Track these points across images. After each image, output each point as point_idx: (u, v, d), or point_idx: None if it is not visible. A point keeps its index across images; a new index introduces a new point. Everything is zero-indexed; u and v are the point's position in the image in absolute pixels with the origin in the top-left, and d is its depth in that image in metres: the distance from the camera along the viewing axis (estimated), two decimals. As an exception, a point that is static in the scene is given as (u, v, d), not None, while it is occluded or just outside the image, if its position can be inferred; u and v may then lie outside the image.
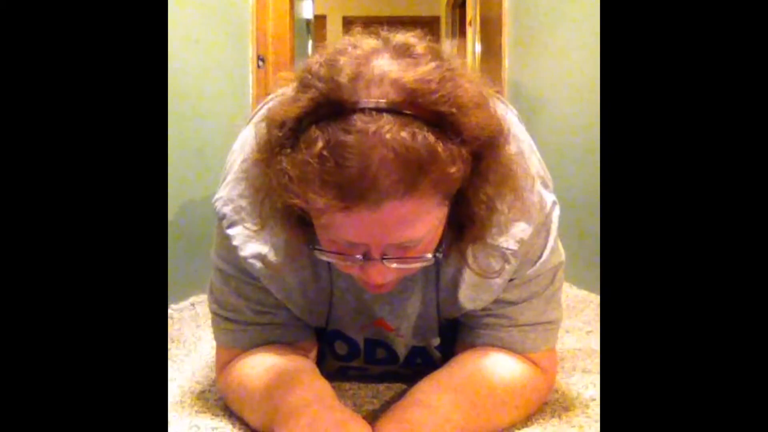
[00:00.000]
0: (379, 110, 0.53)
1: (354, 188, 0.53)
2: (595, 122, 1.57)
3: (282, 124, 0.58)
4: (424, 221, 0.58)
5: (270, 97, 0.71)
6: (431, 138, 0.54)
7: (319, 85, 0.56)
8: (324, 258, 0.65)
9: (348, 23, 5.61)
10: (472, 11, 3.31)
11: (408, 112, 0.54)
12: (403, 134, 0.53)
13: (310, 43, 3.77)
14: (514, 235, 0.73)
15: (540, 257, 0.76)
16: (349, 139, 0.53)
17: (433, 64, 0.56)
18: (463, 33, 3.85)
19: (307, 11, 3.74)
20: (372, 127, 0.53)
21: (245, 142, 0.77)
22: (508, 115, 0.70)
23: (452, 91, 0.56)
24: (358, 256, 0.61)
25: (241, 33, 1.99)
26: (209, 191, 0.81)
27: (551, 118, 1.94)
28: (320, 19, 5.39)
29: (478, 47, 3.20)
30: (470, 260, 0.72)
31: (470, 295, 0.76)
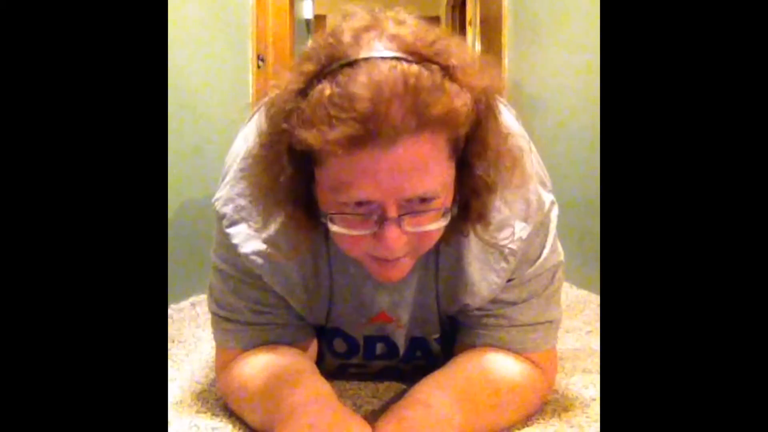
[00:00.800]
0: (384, 58, 0.56)
1: (368, 121, 0.54)
2: (595, 122, 1.58)
3: (287, 96, 0.59)
4: (436, 171, 0.59)
5: (268, 97, 0.71)
6: (439, 75, 0.57)
7: (323, 50, 0.58)
8: (336, 228, 0.62)
9: (348, 23, 5.59)
10: (472, 11, 3.31)
11: (412, 59, 0.57)
12: (412, 69, 0.56)
13: (310, 43, 3.77)
14: (513, 234, 0.73)
15: (539, 257, 0.76)
16: (360, 78, 0.55)
17: (426, 27, 0.60)
18: (463, 33, 3.85)
19: (307, 11, 3.74)
20: (381, 66, 0.55)
21: (245, 141, 0.77)
22: (506, 114, 0.70)
23: (449, 47, 0.59)
24: (373, 217, 0.60)
25: (241, 33, 1.99)
26: (209, 191, 0.81)
27: (551, 118, 1.94)
28: (320, 19, 5.39)
29: (478, 47, 3.20)
30: (478, 232, 0.71)
31: (468, 289, 0.75)
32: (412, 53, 0.57)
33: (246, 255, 0.75)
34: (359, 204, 0.59)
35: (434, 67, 0.57)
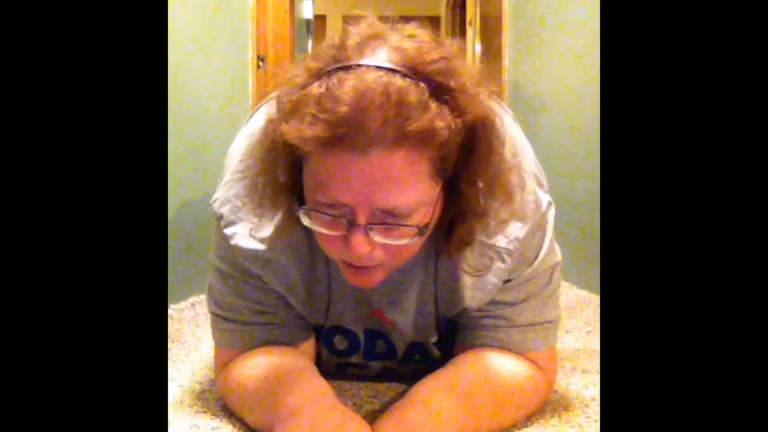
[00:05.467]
0: (379, 68, 0.57)
1: (344, 124, 0.55)
2: (595, 122, 1.57)
3: (289, 89, 0.60)
4: (412, 188, 0.58)
5: (268, 97, 0.72)
6: (426, 94, 0.57)
7: (328, 50, 0.60)
8: (308, 223, 0.63)
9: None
10: (472, 11, 3.31)
11: (407, 73, 0.57)
12: (399, 83, 0.56)
13: (310, 43, 3.77)
14: (509, 234, 0.73)
15: (536, 257, 0.76)
16: (347, 82, 0.56)
17: (434, 44, 0.60)
18: (463, 33, 3.84)
19: (307, 11, 3.73)
20: (371, 75, 0.56)
21: (243, 141, 0.77)
22: (503, 115, 0.70)
23: (451, 68, 0.59)
24: (343, 220, 0.60)
25: (241, 33, 1.99)
26: (209, 191, 0.81)
27: (551, 118, 1.94)
28: (320, 19, 5.39)
29: (478, 47, 3.20)
30: (459, 259, 0.72)
31: (468, 292, 0.75)
32: (408, 67, 0.57)
33: (245, 250, 0.75)
34: (332, 205, 0.60)
35: (423, 85, 0.57)
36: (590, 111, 1.63)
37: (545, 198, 0.77)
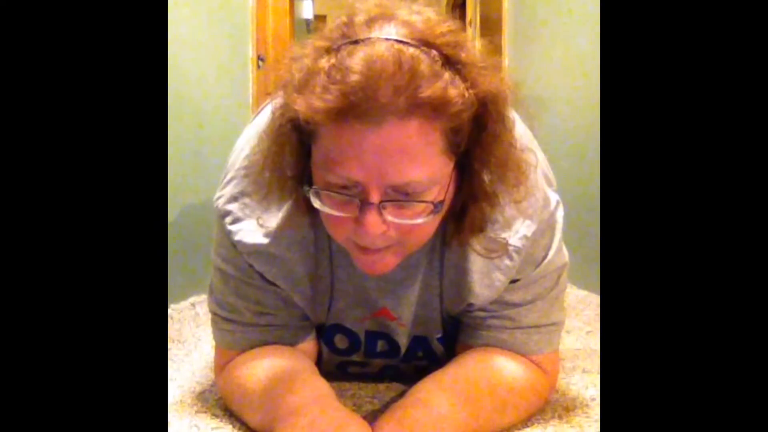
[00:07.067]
0: (387, 39, 0.56)
1: (356, 93, 0.54)
2: (595, 122, 1.57)
3: (295, 67, 0.60)
4: (426, 162, 0.58)
5: (271, 98, 0.72)
6: (438, 62, 0.57)
7: (336, 30, 0.60)
8: (319, 205, 0.62)
9: (348, 23, 5.58)
10: (472, 11, 3.31)
11: (414, 43, 0.57)
12: (411, 51, 0.56)
13: (310, 43, 3.76)
14: (517, 231, 0.72)
15: (545, 258, 0.76)
16: (357, 54, 0.55)
17: (442, 18, 0.60)
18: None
19: (307, 11, 3.74)
20: (382, 45, 0.56)
21: (247, 141, 0.77)
22: (518, 125, 0.70)
23: (460, 41, 0.59)
24: (355, 200, 0.59)
25: (241, 33, 1.99)
26: (209, 191, 0.81)
27: (551, 118, 1.94)
28: (320, 19, 5.39)
29: (478, 47, 3.19)
30: (474, 245, 0.71)
31: (475, 288, 0.75)
32: (417, 39, 0.57)
33: (248, 251, 0.75)
34: (344, 186, 0.59)
35: (435, 54, 0.57)
36: (590, 111, 1.63)
37: (554, 197, 0.76)
